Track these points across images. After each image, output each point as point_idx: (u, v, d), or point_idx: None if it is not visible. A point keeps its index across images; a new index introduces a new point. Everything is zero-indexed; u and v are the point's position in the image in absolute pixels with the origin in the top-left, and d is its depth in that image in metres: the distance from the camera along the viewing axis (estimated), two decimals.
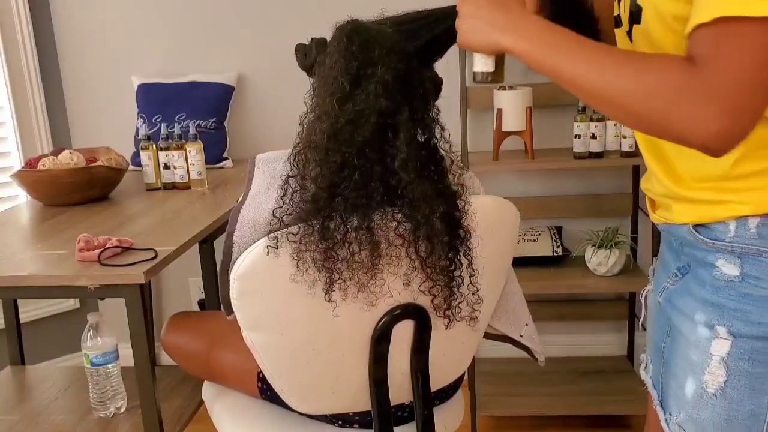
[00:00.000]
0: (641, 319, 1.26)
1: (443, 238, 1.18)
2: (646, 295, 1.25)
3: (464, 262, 1.22)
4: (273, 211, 1.17)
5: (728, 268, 0.98)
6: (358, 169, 1.14)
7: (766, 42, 0.80)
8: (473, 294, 1.26)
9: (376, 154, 1.15)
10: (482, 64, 1.05)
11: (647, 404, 1.19)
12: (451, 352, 1.37)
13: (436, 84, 1.25)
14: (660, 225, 1.12)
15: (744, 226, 0.96)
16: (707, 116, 0.82)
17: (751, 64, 0.81)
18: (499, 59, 1.06)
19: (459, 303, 1.25)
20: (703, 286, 1.02)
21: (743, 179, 0.96)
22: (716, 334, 0.99)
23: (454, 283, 1.22)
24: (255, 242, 1.17)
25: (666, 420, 1.10)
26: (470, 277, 1.24)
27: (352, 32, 1.17)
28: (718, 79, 0.82)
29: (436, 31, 1.23)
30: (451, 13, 1.15)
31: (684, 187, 1.02)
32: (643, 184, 1.15)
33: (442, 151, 1.21)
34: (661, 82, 0.85)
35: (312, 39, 1.30)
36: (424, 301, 1.25)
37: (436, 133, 1.20)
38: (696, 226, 1.02)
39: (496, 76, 1.06)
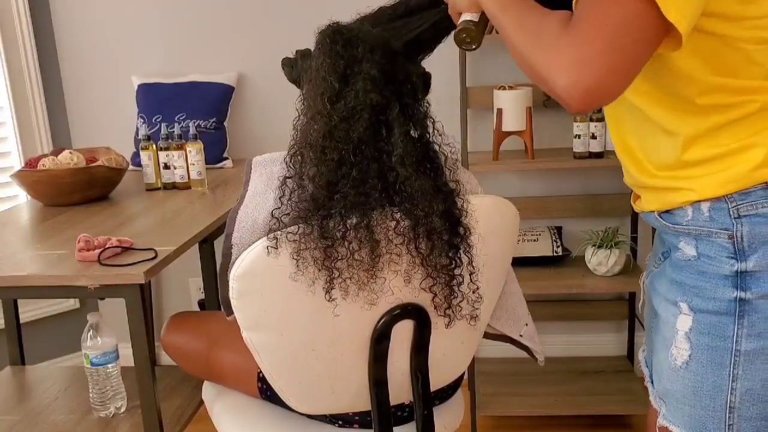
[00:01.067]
0: (639, 303, 1.33)
1: (443, 236, 1.19)
2: (643, 281, 1.32)
3: (464, 259, 1.22)
4: (272, 212, 1.17)
5: (687, 249, 1.07)
6: (356, 166, 1.15)
7: (627, 13, 0.88)
8: (473, 292, 1.26)
9: (372, 151, 1.16)
10: (468, 15, 1.10)
11: (648, 402, 1.23)
12: (451, 352, 1.37)
13: (424, 78, 1.26)
14: (641, 214, 1.21)
15: (698, 211, 1.05)
16: (560, 68, 0.89)
17: (610, 29, 0.88)
18: (483, 24, 1.11)
19: (459, 302, 1.25)
20: (672, 267, 1.11)
21: (691, 167, 1.04)
22: (680, 310, 1.08)
23: (455, 281, 1.22)
24: (254, 243, 1.18)
25: (651, 394, 1.18)
26: (470, 275, 1.24)
27: (335, 33, 1.19)
28: (576, 36, 0.89)
29: (421, 29, 1.25)
30: (434, 6, 1.20)
31: (647, 175, 1.11)
32: (624, 179, 1.24)
33: (436, 146, 1.22)
34: (541, 33, 0.94)
35: (296, 51, 1.34)
36: (425, 299, 1.25)
37: (428, 129, 1.22)
38: (661, 213, 1.11)
39: (475, 36, 1.09)
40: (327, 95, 1.17)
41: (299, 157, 1.18)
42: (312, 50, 1.24)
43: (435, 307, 1.25)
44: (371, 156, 1.16)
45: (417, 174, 1.17)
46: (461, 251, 1.22)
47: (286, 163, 1.19)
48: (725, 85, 1.00)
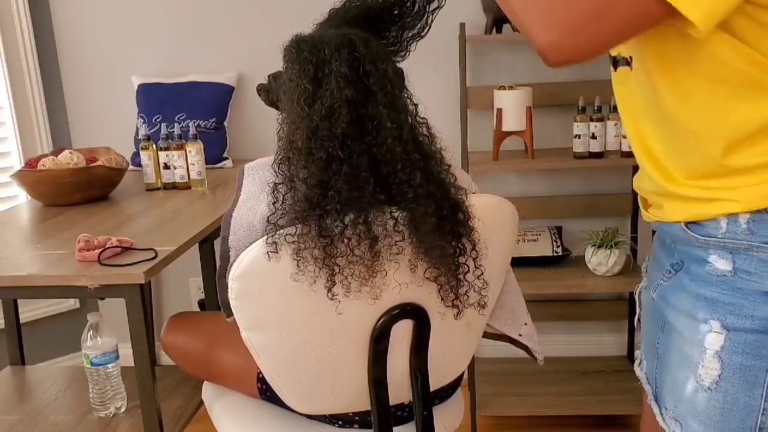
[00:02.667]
0: (636, 316, 1.28)
1: (444, 223, 1.18)
2: (639, 292, 1.28)
3: (467, 246, 1.22)
4: (267, 218, 1.17)
5: (721, 263, 1.00)
6: (345, 161, 1.15)
7: None
8: (478, 278, 1.26)
9: (360, 146, 1.17)
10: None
11: (642, 402, 1.20)
12: (451, 352, 1.37)
13: (398, 73, 1.26)
14: (653, 223, 1.15)
15: (735, 223, 0.99)
16: (547, 26, 0.90)
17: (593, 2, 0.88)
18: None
19: (466, 291, 1.25)
20: (696, 281, 1.04)
21: (734, 176, 0.98)
22: (710, 328, 1.01)
23: (460, 270, 1.22)
24: (252, 243, 1.18)
25: (662, 414, 1.12)
26: (474, 260, 1.24)
27: (298, 42, 1.22)
28: (562, 1, 0.89)
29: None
30: None
31: (674, 184, 1.04)
32: (635, 183, 1.18)
33: (423, 133, 1.23)
34: None
35: (268, 75, 1.37)
36: (429, 293, 1.25)
37: (412, 117, 1.22)
38: (688, 223, 1.04)
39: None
40: (303, 98, 1.18)
41: (287, 162, 1.19)
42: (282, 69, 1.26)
43: (442, 299, 1.25)
44: (360, 150, 1.16)
45: (409, 163, 1.17)
46: (464, 238, 1.22)
47: (275, 171, 1.20)
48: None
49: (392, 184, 1.18)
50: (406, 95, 1.24)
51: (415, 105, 1.24)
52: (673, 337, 1.09)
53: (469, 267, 1.23)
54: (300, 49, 1.21)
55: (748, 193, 0.98)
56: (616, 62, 1.12)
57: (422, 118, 1.24)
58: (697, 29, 0.87)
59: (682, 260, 1.08)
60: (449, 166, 1.25)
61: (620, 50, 1.10)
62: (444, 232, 1.19)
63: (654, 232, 1.23)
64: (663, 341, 1.13)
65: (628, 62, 1.09)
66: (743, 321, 0.99)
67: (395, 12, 1.32)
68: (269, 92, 1.36)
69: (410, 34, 1.35)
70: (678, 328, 1.07)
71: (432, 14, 1.35)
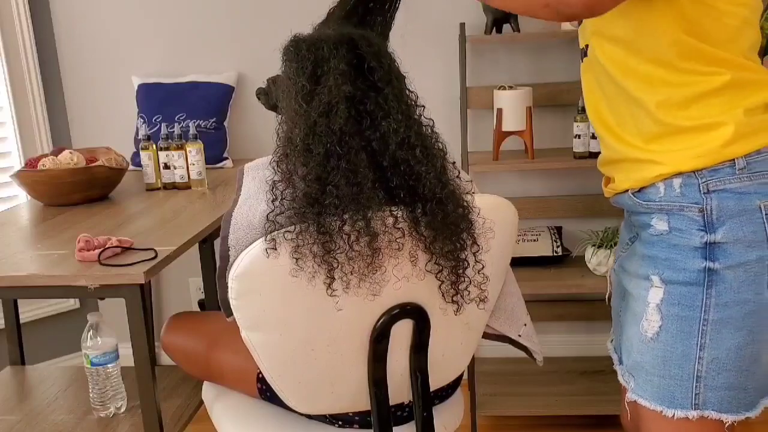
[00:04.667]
0: (606, 295, 1.42)
1: (444, 219, 1.18)
2: (610, 274, 1.39)
3: (468, 241, 1.22)
4: (267, 216, 1.17)
5: (660, 224, 1.14)
6: (344, 157, 1.15)
7: None
8: (479, 273, 1.26)
9: (358, 141, 1.17)
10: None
11: (622, 389, 1.29)
12: (450, 352, 1.37)
13: (396, 68, 1.26)
14: (611, 198, 1.29)
15: (670, 187, 1.13)
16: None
17: None
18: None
19: (467, 286, 1.25)
20: (643, 244, 1.18)
21: (664, 138, 1.12)
22: (651, 283, 1.14)
23: (461, 265, 1.22)
24: (251, 243, 1.18)
25: (620, 373, 1.25)
26: (475, 254, 1.24)
27: (297, 41, 1.22)
28: None
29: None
30: None
31: (625, 144, 1.18)
32: (598, 164, 1.33)
33: (424, 128, 1.23)
34: None
35: (267, 79, 1.39)
36: (429, 289, 1.24)
37: (413, 113, 1.22)
38: (634, 192, 1.17)
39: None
40: (301, 95, 1.19)
41: (285, 160, 1.19)
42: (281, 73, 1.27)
43: (443, 294, 1.25)
44: (358, 146, 1.17)
45: (408, 158, 1.18)
46: (464, 232, 1.22)
47: (273, 169, 1.20)
48: (701, 51, 1.07)
49: (392, 179, 1.18)
50: (411, 94, 1.24)
51: (422, 107, 1.24)
52: (629, 301, 1.21)
53: (469, 262, 1.24)
54: (298, 47, 1.21)
55: (674, 156, 1.11)
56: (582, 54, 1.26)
57: (428, 119, 1.24)
58: None
59: (637, 232, 1.21)
60: (453, 162, 1.26)
61: (579, 41, 1.26)
62: (444, 227, 1.19)
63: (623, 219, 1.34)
64: (623, 308, 1.26)
65: (585, 53, 1.24)
66: (678, 274, 1.11)
67: None
68: (268, 96, 1.37)
69: (390, 10, 1.35)
70: (630, 290, 1.20)
71: None
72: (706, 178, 1.10)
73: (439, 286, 1.24)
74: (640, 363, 1.17)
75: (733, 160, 1.09)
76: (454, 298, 1.25)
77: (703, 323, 1.10)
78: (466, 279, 1.24)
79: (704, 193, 1.10)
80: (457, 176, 1.27)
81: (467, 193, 1.24)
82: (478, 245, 1.24)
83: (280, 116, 1.26)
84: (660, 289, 1.13)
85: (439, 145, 1.24)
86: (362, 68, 1.19)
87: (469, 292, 1.26)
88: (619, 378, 1.24)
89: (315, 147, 1.16)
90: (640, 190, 1.17)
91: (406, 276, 1.22)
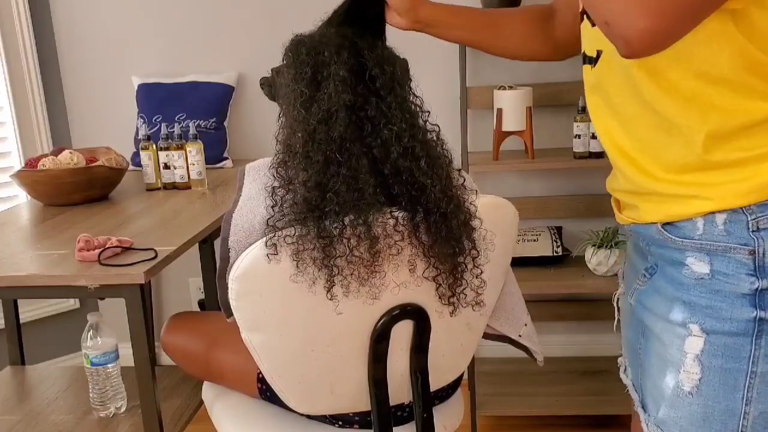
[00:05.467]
0: (614, 323, 1.26)
1: (444, 224, 1.18)
2: (618, 299, 1.26)
3: (467, 245, 1.22)
4: (267, 221, 1.17)
5: (698, 266, 0.99)
6: (344, 164, 1.15)
7: None
8: (476, 277, 1.26)
9: (359, 148, 1.16)
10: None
11: (630, 405, 1.19)
12: (450, 353, 1.37)
13: (403, 67, 1.24)
14: (627, 226, 1.13)
15: (712, 223, 0.97)
16: (639, 13, 0.84)
17: None
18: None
19: (463, 289, 1.24)
20: (672, 284, 1.02)
21: (712, 171, 0.97)
22: (689, 332, 1.00)
23: (458, 269, 1.22)
24: (252, 244, 1.17)
25: (645, 421, 1.10)
26: (474, 259, 1.24)
27: (297, 44, 1.21)
28: None
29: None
30: None
31: (650, 179, 1.02)
32: (608, 184, 1.16)
33: (428, 133, 1.22)
34: None
35: (271, 69, 1.35)
36: (428, 291, 1.25)
37: (416, 117, 1.21)
38: (664, 224, 1.02)
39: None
40: (300, 101, 1.17)
41: (284, 166, 1.19)
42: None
43: (439, 297, 1.25)
44: (359, 152, 1.16)
45: (412, 168, 1.17)
46: (464, 237, 1.21)
47: (273, 175, 1.19)
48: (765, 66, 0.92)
49: (393, 186, 1.18)
50: (416, 100, 1.23)
51: (427, 112, 1.23)
52: (652, 342, 1.08)
53: (467, 266, 1.23)
54: (298, 51, 1.20)
55: (722, 190, 0.96)
56: (583, 60, 1.11)
57: (433, 125, 1.23)
58: None
59: (656, 263, 1.07)
60: (459, 170, 1.24)
61: (585, 47, 1.09)
62: (444, 232, 1.19)
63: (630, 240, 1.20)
64: (644, 347, 1.12)
65: (592, 60, 1.07)
66: (722, 324, 0.97)
67: None
68: (272, 87, 1.35)
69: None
70: (656, 333, 1.06)
71: None
72: (757, 214, 0.95)
73: (437, 289, 1.24)
74: (673, 417, 1.04)
75: None
76: (451, 300, 1.25)
77: (751, 376, 0.97)
78: (464, 283, 1.24)
79: (753, 231, 0.95)
80: (463, 183, 1.24)
81: (471, 203, 1.23)
82: (477, 250, 1.24)
83: (279, 119, 1.26)
84: (700, 339, 0.99)
85: (445, 152, 1.23)
86: (364, 74, 1.18)
87: (466, 295, 1.25)
88: (643, 426, 1.11)
89: (314, 154, 1.15)
90: (671, 223, 1.02)
91: (405, 281, 1.22)
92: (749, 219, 0.95)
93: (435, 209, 1.17)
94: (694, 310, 0.99)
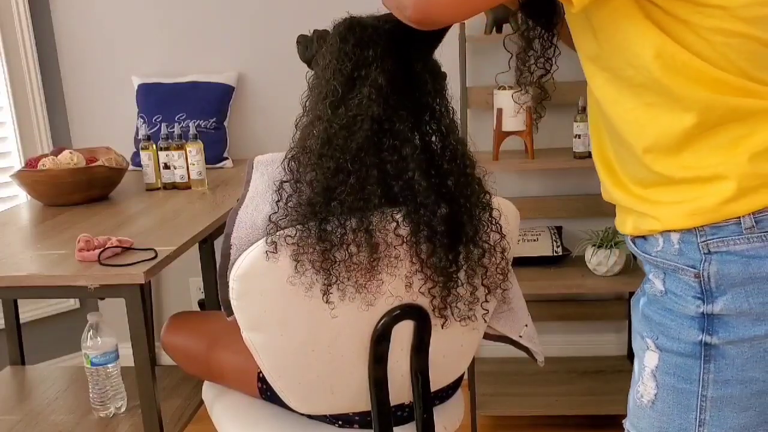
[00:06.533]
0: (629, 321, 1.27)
1: (444, 240, 1.18)
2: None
3: (463, 263, 1.22)
4: (269, 217, 1.17)
5: (656, 282, 0.99)
6: (354, 173, 1.13)
7: None
8: (471, 294, 1.26)
9: (374, 159, 1.15)
10: None
11: None
12: (451, 353, 1.37)
13: (440, 80, 1.23)
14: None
15: (668, 241, 0.95)
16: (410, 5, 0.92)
17: None
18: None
19: (456, 303, 1.24)
20: (643, 297, 1.02)
21: (662, 187, 0.95)
22: (647, 346, 0.99)
23: (452, 283, 1.22)
24: (253, 243, 1.17)
25: (624, 424, 1.10)
26: (468, 278, 1.24)
27: (347, 31, 1.15)
28: None
29: None
30: None
31: (622, 190, 1.01)
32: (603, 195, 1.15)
33: (454, 149, 1.21)
34: None
35: (314, 31, 1.28)
36: (423, 301, 1.25)
37: (446, 132, 1.20)
38: (633, 238, 1.02)
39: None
40: (329, 100, 1.15)
41: (297, 161, 1.18)
42: (326, 42, 1.20)
43: (433, 309, 1.25)
44: (371, 163, 1.14)
45: (420, 179, 1.16)
46: (461, 255, 1.21)
47: (284, 168, 1.19)
48: (690, 67, 0.89)
49: (400, 194, 1.17)
50: (444, 110, 1.21)
51: (450, 125, 1.22)
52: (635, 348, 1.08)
53: (461, 281, 1.23)
54: (345, 39, 1.15)
55: (666, 210, 0.94)
56: None
57: (452, 136, 1.22)
58: (572, 4, 0.87)
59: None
60: (485, 191, 1.23)
61: None
62: (443, 247, 1.18)
63: None
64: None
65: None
66: (671, 343, 0.96)
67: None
68: (307, 49, 1.29)
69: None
70: (635, 340, 1.06)
71: None
72: (707, 236, 0.91)
73: (431, 301, 1.23)
74: (637, 426, 1.04)
75: (739, 218, 0.89)
76: (443, 313, 1.24)
77: (701, 398, 0.95)
78: (456, 296, 1.24)
79: (705, 253, 0.91)
80: (487, 202, 1.23)
81: (496, 232, 1.23)
82: (473, 270, 1.23)
83: (305, 100, 1.21)
84: (655, 354, 0.98)
85: (473, 172, 1.22)
86: (402, 85, 1.15)
87: (459, 309, 1.25)
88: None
89: (326, 160, 1.14)
90: (640, 236, 1.00)
91: (402, 290, 1.22)
92: (699, 241, 0.92)
93: (434, 220, 1.16)
94: (651, 325, 0.99)
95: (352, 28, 1.16)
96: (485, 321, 1.38)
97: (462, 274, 1.23)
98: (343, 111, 1.14)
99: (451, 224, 1.19)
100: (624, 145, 0.97)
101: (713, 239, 0.91)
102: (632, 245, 1.03)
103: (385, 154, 1.15)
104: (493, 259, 1.24)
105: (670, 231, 0.94)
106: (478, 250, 1.22)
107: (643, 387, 1.00)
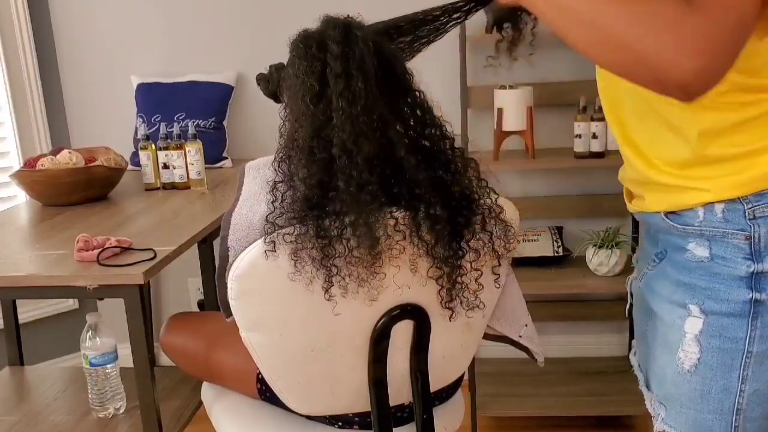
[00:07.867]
0: (626, 306, 1.33)
1: (446, 226, 1.17)
2: (631, 283, 1.31)
3: (466, 248, 1.21)
4: (266, 217, 1.16)
5: (699, 250, 1.05)
6: (346, 163, 1.14)
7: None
8: (475, 281, 1.25)
9: (365, 146, 1.15)
10: None
11: (633, 406, 1.22)
12: (451, 353, 1.36)
13: (407, 72, 1.24)
14: (636, 214, 1.19)
15: (711, 212, 1.03)
16: (689, 53, 0.84)
17: (737, 15, 0.84)
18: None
19: (462, 293, 1.24)
20: (676, 268, 1.09)
21: (708, 166, 1.02)
22: (689, 313, 1.05)
23: (457, 272, 1.22)
24: (251, 243, 1.17)
25: (648, 399, 1.17)
26: (471, 263, 1.23)
27: (306, 38, 1.19)
28: (707, 21, 0.83)
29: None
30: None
31: (655, 170, 1.08)
32: (620, 174, 1.21)
33: (435, 133, 1.21)
34: (655, 14, 0.86)
35: (270, 66, 1.35)
36: (427, 294, 1.24)
37: (425, 118, 1.21)
38: (667, 213, 1.08)
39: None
40: (308, 96, 1.16)
41: (287, 161, 1.18)
42: (286, 63, 1.24)
43: (441, 299, 1.24)
44: (364, 150, 1.15)
45: (413, 165, 1.16)
46: (464, 241, 1.21)
47: (275, 169, 1.19)
48: (745, 83, 0.96)
49: (396, 184, 1.17)
50: (420, 95, 1.22)
51: (428, 107, 1.22)
52: (657, 324, 1.13)
53: (466, 269, 1.23)
54: (308, 44, 1.18)
55: (719, 183, 1.01)
56: None
57: (446, 122, 1.23)
58: None
59: (665, 249, 1.12)
60: (473, 164, 1.24)
61: None
62: (445, 233, 1.18)
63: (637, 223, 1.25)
64: (650, 328, 1.18)
65: None
66: (720, 305, 1.03)
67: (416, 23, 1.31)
68: (269, 83, 1.34)
69: (422, 41, 1.34)
70: (660, 315, 1.12)
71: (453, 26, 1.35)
72: (752, 203, 1.00)
73: (438, 291, 1.23)
74: (674, 395, 1.10)
75: None
76: (449, 304, 1.24)
77: (747, 355, 1.03)
78: (462, 285, 1.23)
79: (750, 219, 1.00)
80: (479, 179, 1.24)
81: (491, 205, 1.23)
82: (477, 255, 1.23)
83: (284, 110, 1.24)
84: (699, 320, 1.04)
85: (456, 151, 1.23)
86: (374, 74, 1.16)
87: (466, 298, 1.25)
88: (647, 404, 1.17)
89: (318, 151, 1.14)
90: (674, 212, 1.07)
91: (405, 284, 1.21)
92: (746, 208, 1.00)
93: (432, 206, 1.16)
94: (694, 291, 1.05)
95: (309, 35, 1.19)
96: (497, 291, 1.37)
97: (467, 261, 1.22)
98: (325, 104, 1.15)
99: (450, 209, 1.18)
100: (669, 130, 1.03)
101: (759, 205, 1.00)
102: (665, 221, 1.08)
103: (372, 139, 1.15)
104: (496, 230, 1.25)
105: (713, 202, 1.02)
106: (482, 225, 1.23)
107: (684, 353, 1.06)
